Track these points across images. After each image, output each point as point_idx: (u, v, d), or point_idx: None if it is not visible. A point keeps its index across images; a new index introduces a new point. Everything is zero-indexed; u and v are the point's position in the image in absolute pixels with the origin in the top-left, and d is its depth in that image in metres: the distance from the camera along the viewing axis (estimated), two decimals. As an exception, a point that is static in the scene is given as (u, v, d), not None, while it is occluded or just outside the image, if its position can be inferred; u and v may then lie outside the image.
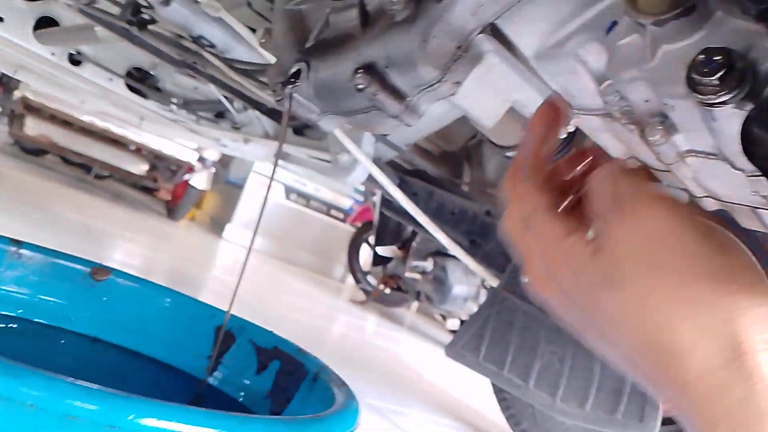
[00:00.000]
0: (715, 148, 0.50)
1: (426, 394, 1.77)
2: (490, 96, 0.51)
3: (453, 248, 1.28)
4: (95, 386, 0.35)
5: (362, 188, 5.42)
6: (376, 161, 1.40)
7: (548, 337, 1.09)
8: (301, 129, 1.62)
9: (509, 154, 0.77)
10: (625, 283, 0.34)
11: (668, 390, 0.34)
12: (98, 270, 0.71)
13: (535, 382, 1.08)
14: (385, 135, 1.35)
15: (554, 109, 0.47)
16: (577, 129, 0.62)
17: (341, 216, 5.48)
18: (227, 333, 0.71)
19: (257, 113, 1.62)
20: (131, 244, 2.65)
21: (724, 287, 0.33)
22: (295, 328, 2.10)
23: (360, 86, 0.48)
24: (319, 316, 2.75)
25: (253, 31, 1.09)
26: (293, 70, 0.54)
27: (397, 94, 0.50)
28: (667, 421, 1.23)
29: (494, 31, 0.48)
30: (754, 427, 0.29)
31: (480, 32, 0.47)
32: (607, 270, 0.35)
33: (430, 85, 0.49)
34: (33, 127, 4.87)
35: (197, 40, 1.09)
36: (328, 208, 5.44)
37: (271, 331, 0.71)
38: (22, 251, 0.69)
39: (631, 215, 0.38)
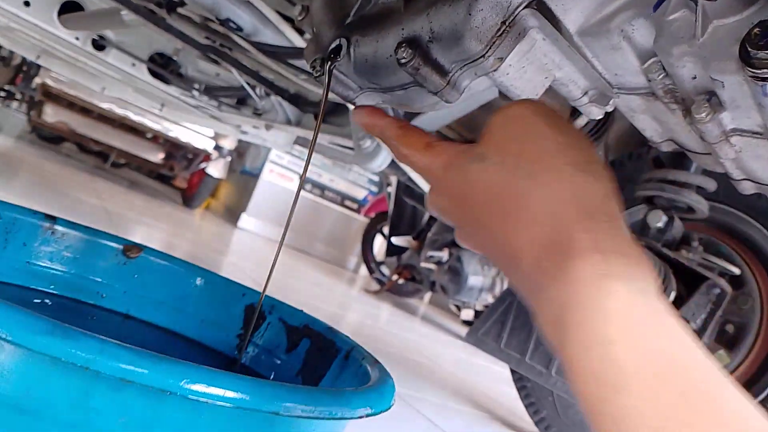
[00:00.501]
0: (763, 126, 0.50)
1: (443, 381, 1.78)
2: (531, 73, 0.51)
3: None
4: (148, 351, 0.35)
5: (377, 179, 5.42)
6: (399, 148, 1.40)
7: (572, 325, 1.09)
8: (324, 115, 1.61)
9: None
10: (486, 154, 0.41)
11: (502, 261, 0.40)
12: (131, 247, 0.71)
13: (557, 368, 1.08)
14: (409, 120, 1.35)
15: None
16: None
17: (355, 207, 5.48)
18: (257, 311, 0.71)
19: (279, 99, 1.62)
20: (150, 230, 2.67)
21: (564, 161, 0.38)
22: (312, 313, 2.11)
23: (402, 60, 0.48)
24: (335, 304, 2.76)
25: (281, 14, 1.09)
26: (333, 45, 0.54)
27: (440, 69, 0.50)
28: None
29: (540, 6, 0.47)
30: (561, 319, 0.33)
31: (526, 6, 0.47)
32: (478, 149, 0.42)
33: (473, 60, 0.49)
34: (52, 114, 4.91)
35: (225, 23, 1.09)
36: (342, 199, 5.45)
37: (301, 310, 0.71)
38: (57, 227, 0.70)
39: (502, 109, 0.44)
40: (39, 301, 0.70)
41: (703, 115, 0.47)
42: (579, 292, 0.33)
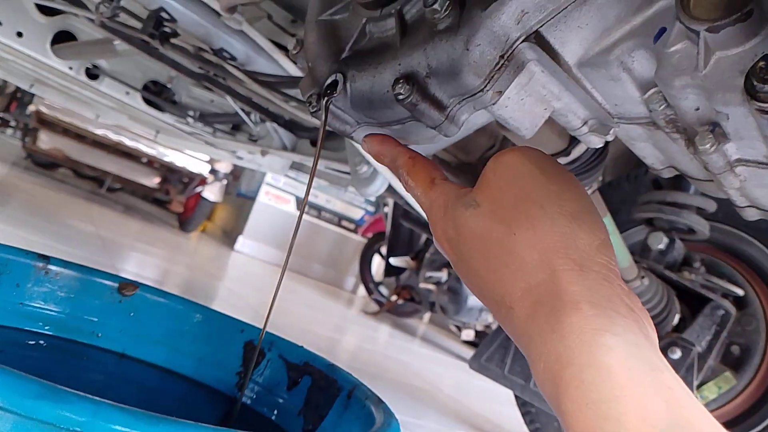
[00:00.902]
0: (768, 156, 0.49)
1: (443, 405, 1.75)
2: (530, 105, 0.50)
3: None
4: (144, 412, 0.34)
5: (373, 199, 5.42)
6: (396, 172, 1.39)
7: (575, 350, 1.07)
8: (317, 141, 1.61)
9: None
10: (479, 200, 0.41)
11: (493, 308, 0.40)
12: (126, 285, 0.70)
13: (563, 395, 1.06)
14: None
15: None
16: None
17: (352, 227, 5.47)
18: (256, 348, 0.70)
19: (274, 125, 1.61)
20: (145, 256, 2.65)
21: (556, 210, 0.38)
22: (310, 339, 2.09)
23: (400, 96, 0.47)
24: (332, 327, 2.73)
25: (274, 43, 1.09)
26: (329, 80, 0.53)
27: (438, 104, 0.49)
28: None
29: (538, 39, 0.47)
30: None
31: (524, 40, 0.46)
32: (473, 195, 0.42)
33: (472, 95, 0.48)
34: (46, 141, 4.91)
35: (218, 52, 1.09)
36: (339, 219, 5.44)
37: (301, 346, 0.70)
38: (50, 267, 0.69)
39: (497, 156, 0.45)
40: (33, 342, 0.69)
41: (708, 146, 0.47)
42: (574, 347, 0.32)
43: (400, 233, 3.43)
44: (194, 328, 0.72)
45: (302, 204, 0.62)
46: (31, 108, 4.32)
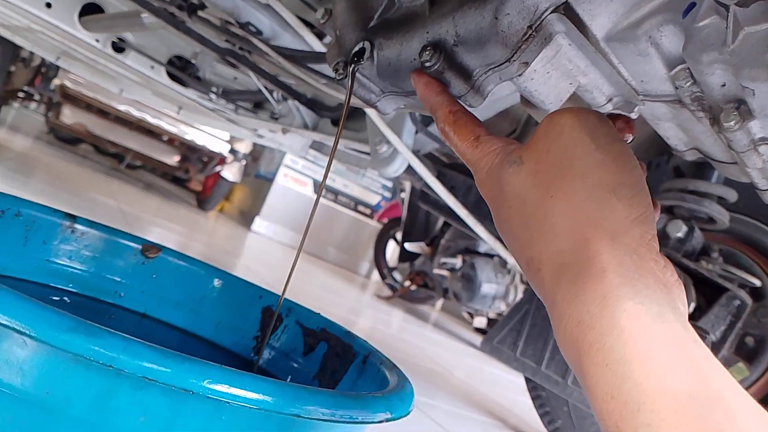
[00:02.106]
0: (793, 135, 0.49)
1: (456, 389, 1.76)
2: (556, 79, 0.51)
3: (491, 241, 1.27)
4: (171, 351, 0.35)
5: (390, 185, 5.42)
6: (415, 153, 1.40)
7: (589, 335, 1.08)
8: (339, 120, 1.62)
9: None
10: (524, 159, 0.41)
11: (523, 267, 0.40)
12: (149, 247, 0.71)
13: (573, 378, 1.07)
14: (426, 125, 1.34)
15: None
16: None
17: (368, 212, 5.48)
18: (274, 314, 0.71)
19: (296, 104, 1.62)
20: (165, 231, 2.68)
21: (596, 181, 0.38)
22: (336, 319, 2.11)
23: (427, 63, 0.48)
24: (347, 309, 2.75)
25: (300, 19, 1.09)
26: (356, 48, 0.53)
27: (464, 73, 0.49)
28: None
29: (567, 11, 0.47)
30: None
31: (553, 11, 0.46)
32: (519, 152, 0.42)
33: (499, 65, 0.48)
34: (70, 116, 4.96)
35: (245, 26, 1.10)
36: (355, 204, 5.45)
37: (318, 314, 0.71)
38: (77, 226, 0.70)
39: (551, 114, 0.44)
40: (57, 298, 0.71)
41: (732, 123, 0.47)
42: (596, 313, 0.32)
43: (416, 219, 3.44)
44: (214, 293, 0.73)
45: (324, 176, 0.63)
46: (56, 82, 4.37)
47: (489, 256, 2.69)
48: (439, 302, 5.04)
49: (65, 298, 0.72)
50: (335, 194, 5.37)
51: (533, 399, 1.42)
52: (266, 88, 1.70)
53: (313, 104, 1.64)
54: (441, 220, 3.22)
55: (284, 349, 0.70)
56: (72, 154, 5.29)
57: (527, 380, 1.43)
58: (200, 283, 0.73)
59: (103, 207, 2.49)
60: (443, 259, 2.90)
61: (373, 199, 5.51)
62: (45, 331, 0.32)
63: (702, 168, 1.10)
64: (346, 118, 1.59)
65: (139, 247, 0.71)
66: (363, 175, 5.40)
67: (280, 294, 0.70)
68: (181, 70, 1.92)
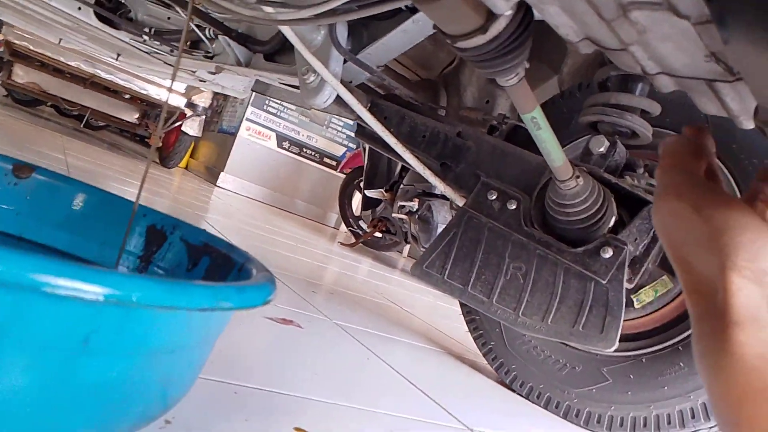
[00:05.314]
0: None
1: (416, 327, 1.77)
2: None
3: (422, 171, 1.25)
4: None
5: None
6: (347, 84, 1.36)
7: (513, 254, 1.07)
8: (272, 55, 1.57)
9: (458, 45, 0.73)
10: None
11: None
12: (21, 167, 0.68)
13: (498, 297, 1.06)
14: (355, 54, 1.30)
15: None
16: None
17: (334, 164, 5.44)
18: (159, 231, 0.69)
19: (228, 40, 1.57)
20: (125, 187, 2.62)
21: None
22: (293, 266, 2.10)
23: None
24: (316, 257, 2.75)
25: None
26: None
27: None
28: (629, 338, 1.22)
29: None
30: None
31: None
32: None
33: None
34: (22, 75, 4.81)
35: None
36: (321, 157, 5.40)
37: (203, 230, 0.68)
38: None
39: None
40: (-73, 224, 0.68)
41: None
42: None
43: (377, 166, 3.40)
44: (96, 212, 0.71)
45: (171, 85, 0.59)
46: (0, 37, 4.21)
47: (445, 198, 2.68)
48: (406, 248, 5.05)
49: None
50: (300, 147, 5.30)
51: (468, 323, 1.43)
52: (197, 26, 1.64)
53: (245, 39, 1.59)
54: (399, 166, 3.19)
55: (170, 267, 0.68)
56: (34, 116, 5.15)
57: (462, 305, 1.43)
58: (80, 203, 0.70)
59: (47, 159, 2.42)
60: (401, 203, 2.89)
61: (339, 151, 5.46)
62: None
63: (626, 82, 1.08)
64: (277, 52, 1.55)
65: (10, 167, 0.68)
66: (327, 127, 5.33)
67: (136, 200, 0.67)
68: (112, 11, 1.84)
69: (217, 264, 0.65)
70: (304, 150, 5.31)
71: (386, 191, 3.14)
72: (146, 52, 1.97)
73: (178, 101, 4.46)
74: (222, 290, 0.43)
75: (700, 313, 0.38)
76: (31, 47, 4.16)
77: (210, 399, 0.68)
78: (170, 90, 0.56)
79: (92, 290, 0.34)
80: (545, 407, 1.29)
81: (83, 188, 0.71)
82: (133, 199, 0.73)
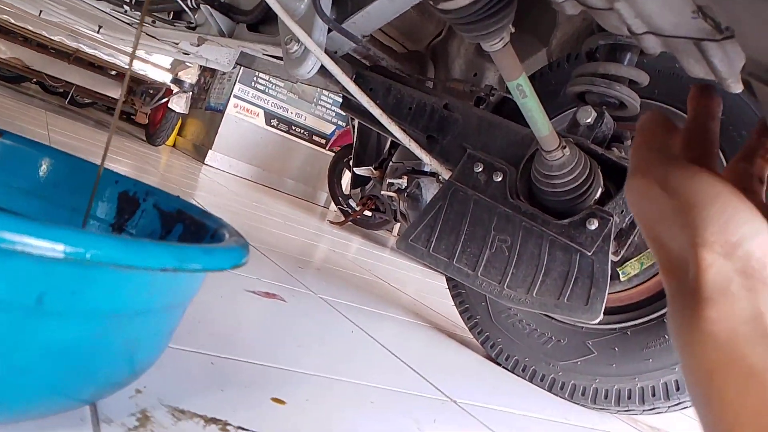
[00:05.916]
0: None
1: (406, 303, 1.76)
2: None
3: (409, 144, 1.23)
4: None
5: (344, 113, 5.31)
6: (331, 54, 1.33)
7: (498, 226, 1.06)
8: (256, 25, 1.53)
9: (441, 6, 0.71)
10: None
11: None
12: (-12, 131, 0.66)
13: (483, 270, 1.05)
14: (340, 23, 1.28)
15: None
16: None
17: (323, 142, 5.39)
18: (131, 198, 0.67)
19: (210, 9, 1.53)
20: (111, 164, 2.58)
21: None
22: (284, 243, 2.08)
23: None
24: (306, 235, 2.73)
25: None
26: None
27: None
28: (614, 311, 1.22)
29: None
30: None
31: None
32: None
33: None
34: (5, 50, 4.73)
35: None
36: (310, 135, 5.35)
37: (177, 196, 0.67)
38: None
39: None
40: None
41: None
42: None
43: (367, 143, 3.37)
44: (68, 179, 0.68)
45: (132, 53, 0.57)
46: (-19, 11, 4.12)
47: (434, 175, 2.66)
48: (396, 227, 5.04)
49: None
50: (289, 125, 5.25)
51: (454, 297, 1.42)
52: (179, -5, 1.60)
53: (228, 9, 1.55)
54: (389, 143, 3.16)
55: (143, 235, 0.66)
56: (19, 93, 5.07)
57: (448, 280, 1.42)
58: (51, 170, 0.68)
59: (35, 137, 2.38)
60: (390, 180, 2.86)
61: (328, 129, 5.41)
62: None
63: (614, 51, 1.07)
64: (261, 22, 1.51)
65: (-24, 130, 0.65)
66: (316, 105, 5.28)
67: (139, 181, 0.65)
68: (91, -20, 1.80)
69: (190, 231, 0.63)
70: (293, 128, 5.26)
71: (375, 169, 3.12)
72: (128, 24, 1.92)
73: (164, 77, 4.39)
74: (186, 250, 0.41)
75: (673, 290, 0.37)
76: (12, 20, 4.08)
77: (184, 369, 0.66)
78: (132, 56, 0.54)
79: (43, 245, 0.33)
80: (530, 380, 1.29)
81: (53, 154, 0.68)
82: (110, 168, 0.70)
